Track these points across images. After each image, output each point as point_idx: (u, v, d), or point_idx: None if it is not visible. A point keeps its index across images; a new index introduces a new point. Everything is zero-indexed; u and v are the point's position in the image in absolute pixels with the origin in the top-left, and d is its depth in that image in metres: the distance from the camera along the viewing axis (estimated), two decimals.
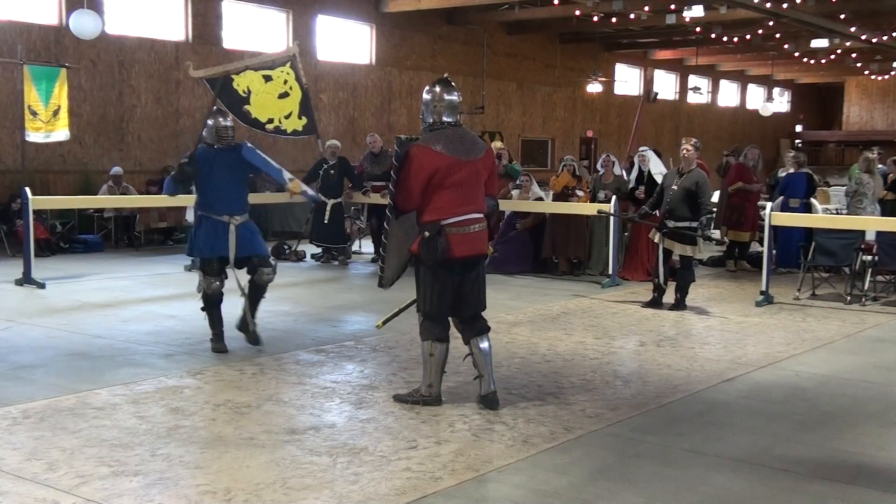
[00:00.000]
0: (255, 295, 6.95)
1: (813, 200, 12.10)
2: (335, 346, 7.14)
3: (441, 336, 5.44)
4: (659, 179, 11.09)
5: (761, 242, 11.52)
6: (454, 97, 5.48)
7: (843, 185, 16.03)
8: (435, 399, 5.50)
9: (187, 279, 10.91)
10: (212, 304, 6.88)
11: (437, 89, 5.46)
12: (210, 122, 6.93)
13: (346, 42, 19.53)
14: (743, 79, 33.50)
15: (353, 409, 5.46)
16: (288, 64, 9.83)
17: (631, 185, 11.61)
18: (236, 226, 6.76)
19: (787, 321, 8.65)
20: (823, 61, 27.35)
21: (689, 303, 9.26)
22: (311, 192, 7.58)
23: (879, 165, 13.07)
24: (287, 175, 6.87)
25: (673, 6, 18.66)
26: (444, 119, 5.43)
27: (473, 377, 5.56)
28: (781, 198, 12.09)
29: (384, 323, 6.00)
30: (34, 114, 12.16)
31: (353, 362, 6.51)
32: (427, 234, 5.28)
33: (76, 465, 4.40)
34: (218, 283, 6.82)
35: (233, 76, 9.78)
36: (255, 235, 6.92)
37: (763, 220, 12.88)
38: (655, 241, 9.30)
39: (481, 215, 5.46)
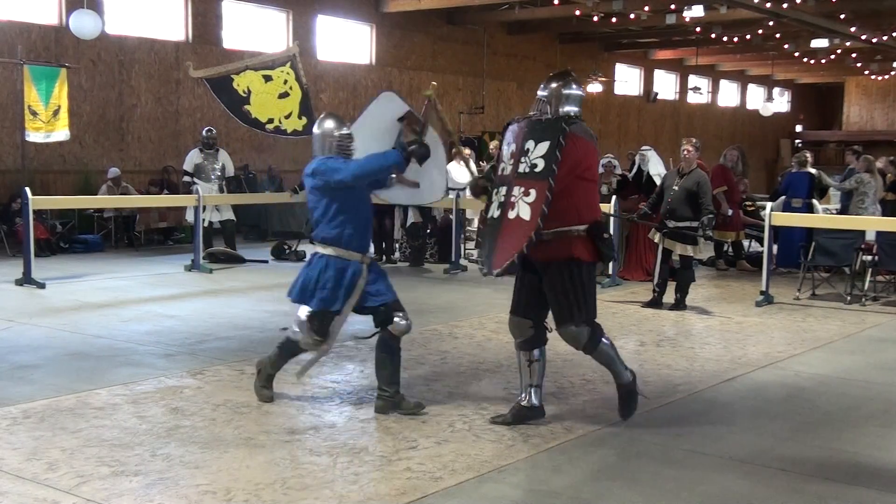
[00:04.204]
0: (388, 351, 5.30)
1: (814, 201, 12.09)
2: (335, 346, 7.07)
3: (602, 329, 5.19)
4: (658, 181, 11.10)
5: (761, 242, 11.51)
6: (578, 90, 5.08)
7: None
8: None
9: (187, 279, 10.92)
10: (290, 354, 5.52)
11: (555, 83, 5.01)
12: (317, 130, 5.25)
13: (346, 42, 19.53)
14: (743, 79, 33.49)
15: (353, 409, 5.45)
16: (288, 64, 9.87)
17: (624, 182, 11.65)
18: (368, 266, 5.25)
19: (787, 321, 8.64)
20: (823, 61, 27.34)
21: (689, 303, 9.26)
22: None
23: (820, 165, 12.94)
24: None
25: (673, 6, 18.65)
26: (575, 110, 5.02)
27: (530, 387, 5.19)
28: (783, 197, 12.07)
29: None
30: (34, 114, 12.16)
31: (353, 362, 6.50)
32: (606, 235, 4.99)
33: (76, 465, 4.39)
34: (327, 346, 5.40)
35: (233, 76, 9.83)
36: (384, 277, 5.34)
37: (745, 220, 12.93)
38: (656, 241, 9.31)
39: None
